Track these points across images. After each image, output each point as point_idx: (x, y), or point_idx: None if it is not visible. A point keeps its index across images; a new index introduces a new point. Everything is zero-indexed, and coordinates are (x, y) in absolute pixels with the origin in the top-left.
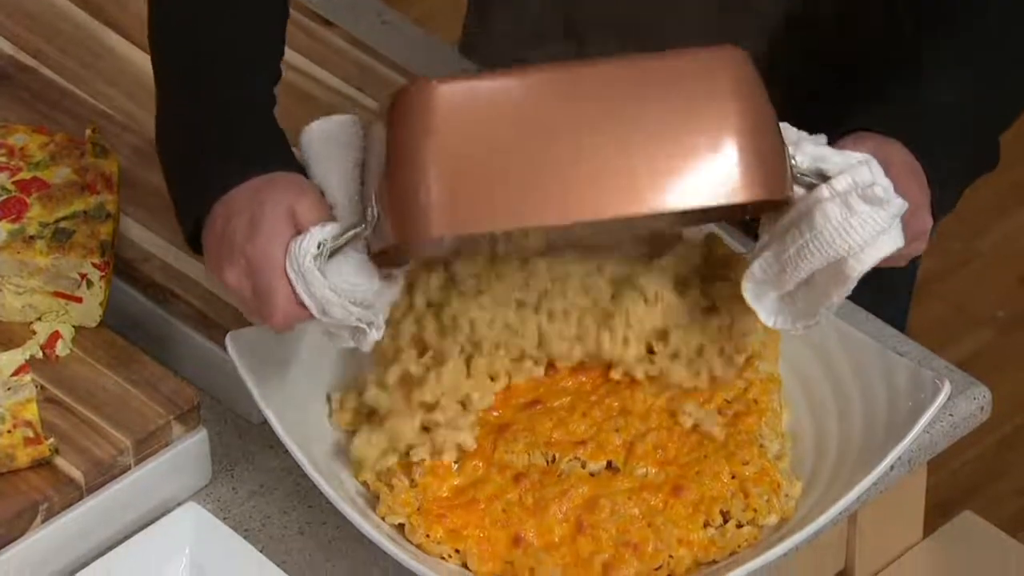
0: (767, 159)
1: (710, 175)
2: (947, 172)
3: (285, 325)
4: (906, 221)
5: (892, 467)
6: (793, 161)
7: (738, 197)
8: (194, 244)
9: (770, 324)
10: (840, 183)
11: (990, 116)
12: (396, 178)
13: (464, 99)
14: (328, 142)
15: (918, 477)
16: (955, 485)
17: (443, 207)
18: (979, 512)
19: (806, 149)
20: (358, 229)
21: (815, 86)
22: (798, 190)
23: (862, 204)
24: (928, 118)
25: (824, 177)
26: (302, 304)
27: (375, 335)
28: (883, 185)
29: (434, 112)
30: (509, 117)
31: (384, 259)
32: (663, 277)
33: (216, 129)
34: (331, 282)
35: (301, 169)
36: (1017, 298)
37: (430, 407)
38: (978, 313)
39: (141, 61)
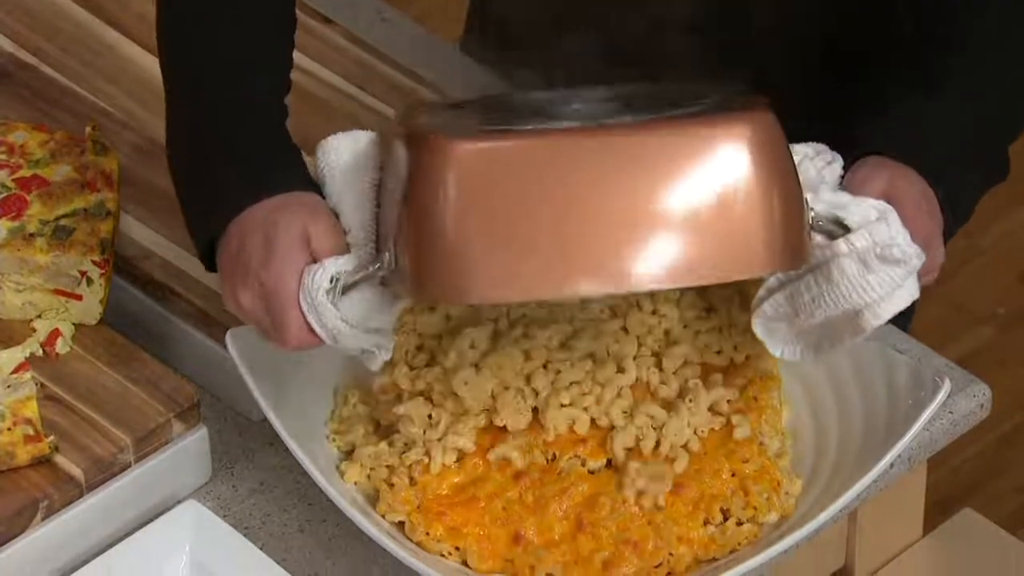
0: (786, 232)
1: (729, 250)
2: (960, 192)
3: (297, 349)
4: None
5: (892, 465)
6: (812, 212)
7: (754, 272)
8: (207, 260)
9: (777, 355)
10: (859, 240)
11: (997, 124)
12: (416, 241)
13: (484, 162)
14: (345, 162)
15: (918, 475)
16: (955, 483)
17: (462, 276)
18: (979, 510)
19: (824, 196)
20: (372, 269)
21: (814, 89)
22: (815, 236)
23: (880, 263)
24: (939, 137)
25: (842, 225)
26: (314, 332)
27: (384, 356)
28: (901, 244)
29: (454, 175)
30: (529, 183)
31: None
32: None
33: (227, 145)
34: (344, 314)
35: (315, 185)
36: (1017, 295)
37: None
38: (978, 311)
39: (141, 59)
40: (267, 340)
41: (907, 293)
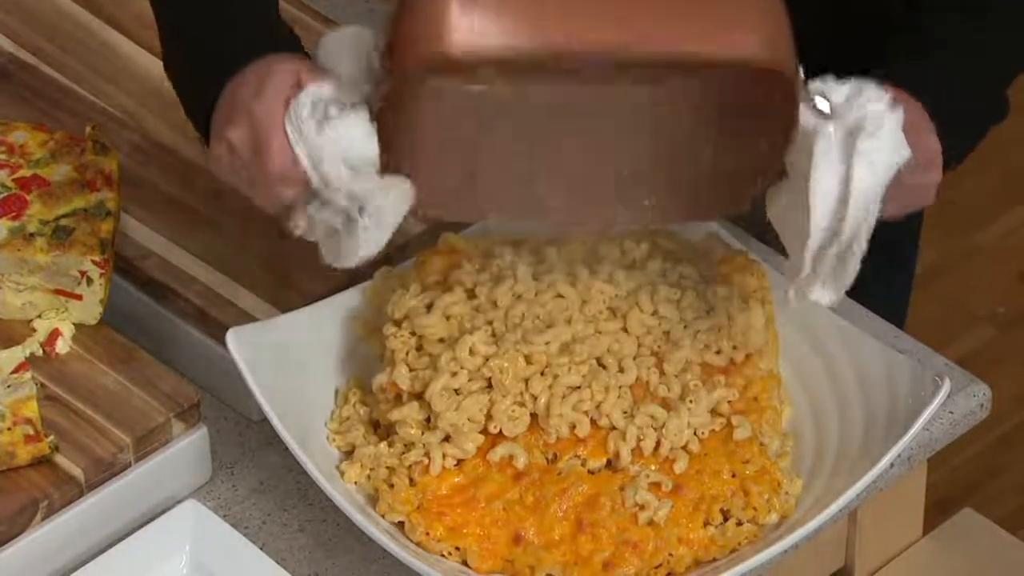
0: (776, 32)
1: (720, 24)
2: (956, 123)
3: (279, 185)
4: (913, 144)
5: (892, 465)
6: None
7: (743, 52)
8: (206, 137)
9: (826, 302)
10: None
11: (996, 63)
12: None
13: None
14: (341, 46)
15: (918, 474)
16: (955, 483)
17: (447, 25)
18: (979, 509)
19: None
20: (359, 84)
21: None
22: (803, 109)
23: (864, 137)
24: (934, 70)
25: (830, 106)
26: (296, 161)
27: (366, 223)
28: (875, 100)
29: None
30: None
31: (386, 124)
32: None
33: (222, 24)
34: (327, 136)
35: (308, 56)
36: (1017, 295)
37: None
38: (978, 310)
39: (141, 59)
40: (252, 190)
41: (897, 152)
